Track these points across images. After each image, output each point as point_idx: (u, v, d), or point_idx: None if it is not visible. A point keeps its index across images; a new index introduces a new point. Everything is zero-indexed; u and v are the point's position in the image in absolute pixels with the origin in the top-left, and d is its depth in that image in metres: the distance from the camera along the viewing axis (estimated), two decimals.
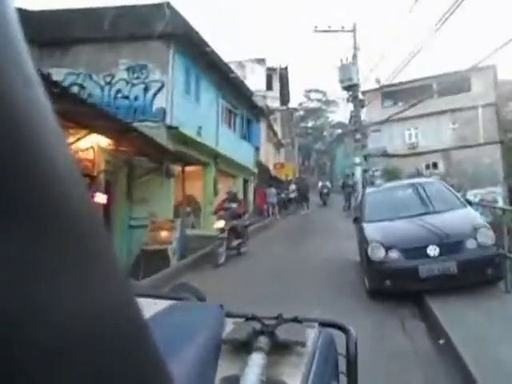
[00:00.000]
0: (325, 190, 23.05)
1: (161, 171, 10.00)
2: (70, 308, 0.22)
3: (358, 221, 6.00)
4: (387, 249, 4.80)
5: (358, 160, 17.13)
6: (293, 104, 40.10)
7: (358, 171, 17.08)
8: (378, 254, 4.84)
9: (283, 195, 19.09)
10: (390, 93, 27.74)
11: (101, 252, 0.26)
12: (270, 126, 20.06)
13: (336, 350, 1.08)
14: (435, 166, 25.14)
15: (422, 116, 25.93)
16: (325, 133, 45.73)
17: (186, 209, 12.82)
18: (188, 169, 13.78)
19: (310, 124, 53.25)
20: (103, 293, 0.25)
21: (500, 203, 18.92)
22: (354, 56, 16.53)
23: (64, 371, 0.21)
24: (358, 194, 17.18)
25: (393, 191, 6.17)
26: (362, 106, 17.45)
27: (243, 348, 0.90)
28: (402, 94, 26.71)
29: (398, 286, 4.67)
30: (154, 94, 10.51)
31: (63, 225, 0.23)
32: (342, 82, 16.75)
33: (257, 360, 0.83)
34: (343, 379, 1.06)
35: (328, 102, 51.14)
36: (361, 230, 5.61)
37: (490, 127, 24.10)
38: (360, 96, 17.41)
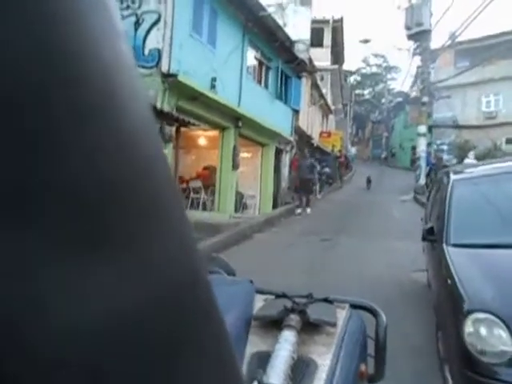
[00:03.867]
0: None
1: None
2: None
3: (432, 237, 3.04)
4: None
5: (422, 129, 13.60)
6: (348, 66, 35.98)
7: (423, 143, 13.59)
8: (491, 343, 1.94)
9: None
10: (467, 50, 23.12)
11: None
12: (315, 86, 16.75)
13: (365, 332, 1.04)
14: None
15: (505, 79, 21.28)
16: (383, 100, 41.11)
17: (195, 184, 10.30)
18: (201, 133, 11.19)
19: (366, 91, 48.61)
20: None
21: None
22: None
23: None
24: (420, 172, 13.75)
25: (509, 182, 3.11)
26: (433, 60, 13.68)
27: (274, 325, 0.91)
28: (482, 53, 22.01)
29: None
30: (148, 31, 7.83)
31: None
32: (408, 28, 13.09)
33: (288, 337, 0.82)
34: (371, 362, 1.02)
35: (388, 68, 46.42)
36: (442, 263, 2.68)
37: None
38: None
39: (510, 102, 21.37)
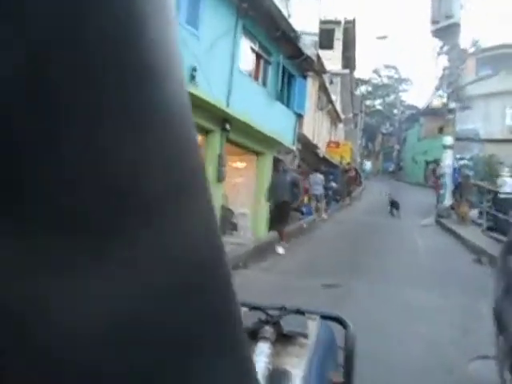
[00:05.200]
0: None
1: None
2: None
3: None
4: None
5: (449, 141, 11.57)
6: (359, 75, 34.15)
7: (449, 157, 11.52)
8: None
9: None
10: (489, 58, 21.16)
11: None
12: (323, 89, 14.80)
13: (336, 342, 1.08)
14: None
15: None
16: (395, 111, 39.19)
17: None
18: None
19: (377, 102, 46.78)
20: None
21: None
22: None
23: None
24: (445, 190, 11.67)
25: None
26: (463, 61, 11.69)
27: (249, 337, 0.85)
28: (506, 61, 19.98)
29: None
30: None
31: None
32: (434, 22, 11.14)
33: (263, 349, 0.84)
34: (340, 371, 1.03)
35: (400, 80, 44.75)
36: None
37: None
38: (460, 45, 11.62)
39: None
